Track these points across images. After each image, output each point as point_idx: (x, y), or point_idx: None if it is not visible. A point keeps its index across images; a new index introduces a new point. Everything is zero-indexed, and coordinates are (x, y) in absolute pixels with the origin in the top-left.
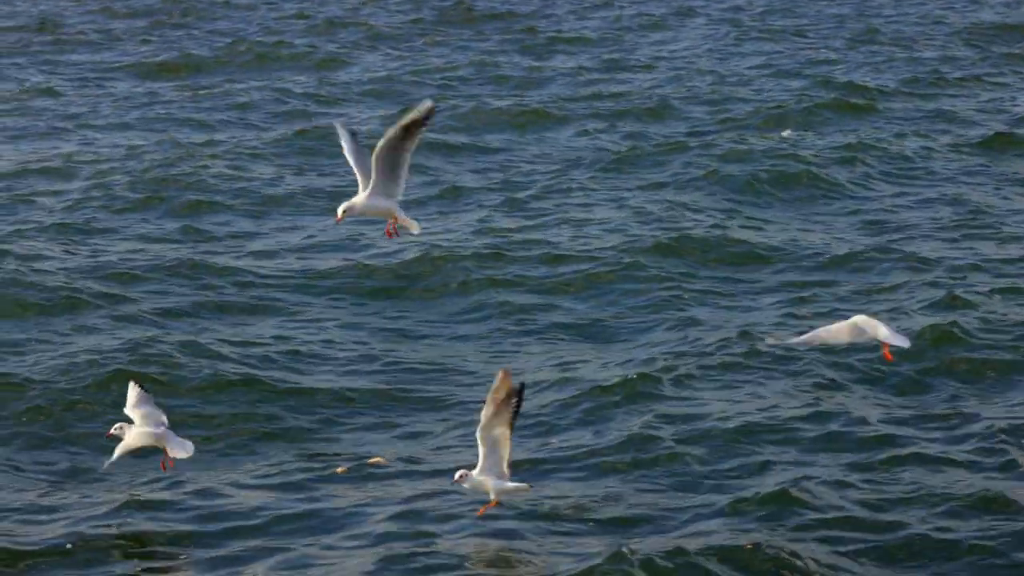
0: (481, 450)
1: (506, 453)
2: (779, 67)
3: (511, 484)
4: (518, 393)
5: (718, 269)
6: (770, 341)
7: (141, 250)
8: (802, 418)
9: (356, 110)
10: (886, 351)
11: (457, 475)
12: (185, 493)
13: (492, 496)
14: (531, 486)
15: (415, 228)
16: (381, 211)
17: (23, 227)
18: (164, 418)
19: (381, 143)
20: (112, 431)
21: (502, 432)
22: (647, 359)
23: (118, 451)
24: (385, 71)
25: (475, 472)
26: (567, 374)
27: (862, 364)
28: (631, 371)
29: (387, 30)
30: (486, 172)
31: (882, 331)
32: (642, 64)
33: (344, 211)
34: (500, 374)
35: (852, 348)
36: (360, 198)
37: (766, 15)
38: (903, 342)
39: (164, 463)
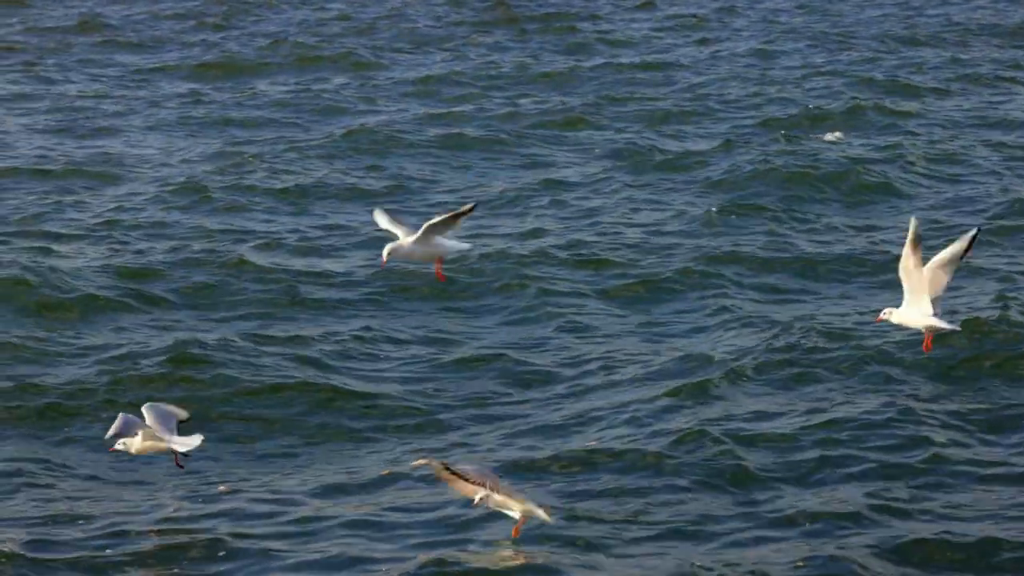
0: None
1: (515, 501)
2: (823, 68)
3: (532, 505)
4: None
5: (767, 271)
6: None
7: (185, 249)
8: (858, 420)
9: (398, 108)
10: (928, 341)
11: (477, 498)
12: (225, 496)
13: (518, 515)
14: (553, 515)
15: (465, 246)
16: (426, 255)
17: (68, 226)
18: (171, 425)
19: (430, 224)
20: (116, 447)
21: (502, 501)
22: (696, 361)
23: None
24: (428, 72)
25: (496, 494)
26: (614, 375)
27: (919, 360)
28: (680, 373)
29: (429, 31)
30: (529, 173)
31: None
32: (683, 64)
33: (389, 253)
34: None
35: (906, 343)
36: (406, 240)
37: (807, 16)
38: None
39: (177, 461)
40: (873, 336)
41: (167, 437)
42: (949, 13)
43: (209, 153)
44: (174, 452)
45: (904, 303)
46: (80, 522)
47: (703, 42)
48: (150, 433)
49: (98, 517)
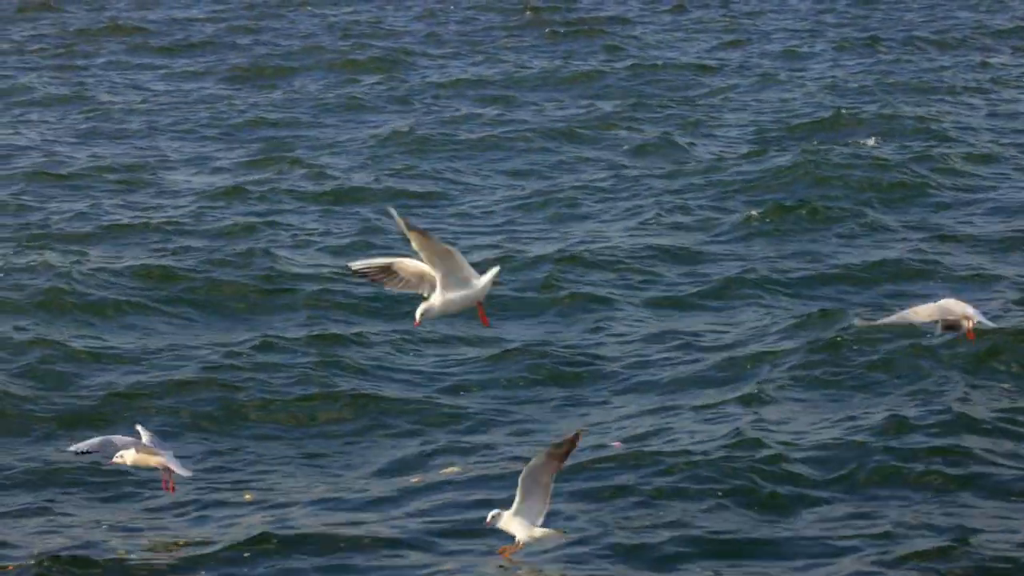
0: (520, 494)
1: (544, 502)
2: (855, 71)
3: (540, 531)
4: (572, 442)
5: (803, 275)
6: (860, 323)
7: (219, 252)
8: (896, 428)
9: (430, 111)
10: (970, 331)
11: (489, 516)
12: (245, 503)
13: (518, 539)
14: (564, 532)
15: (489, 275)
16: (461, 305)
17: (101, 230)
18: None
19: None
20: (115, 459)
21: (546, 482)
22: (732, 367)
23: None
24: (459, 75)
25: (507, 513)
26: (648, 379)
27: (957, 364)
28: (715, 378)
29: (461, 35)
30: (561, 176)
31: (969, 310)
32: (715, 68)
33: (422, 314)
34: (574, 435)
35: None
36: (436, 298)
37: (837, 19)
38: (988, 323)
39: (166, 483)
40: (911, 341)
41: (162, 453)
42: (977, 16)
43: (243, 157)
44: (167, 470)
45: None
46: (106, 527)
47: (734, 44)
48: (145, 447)
49: (125, 522)
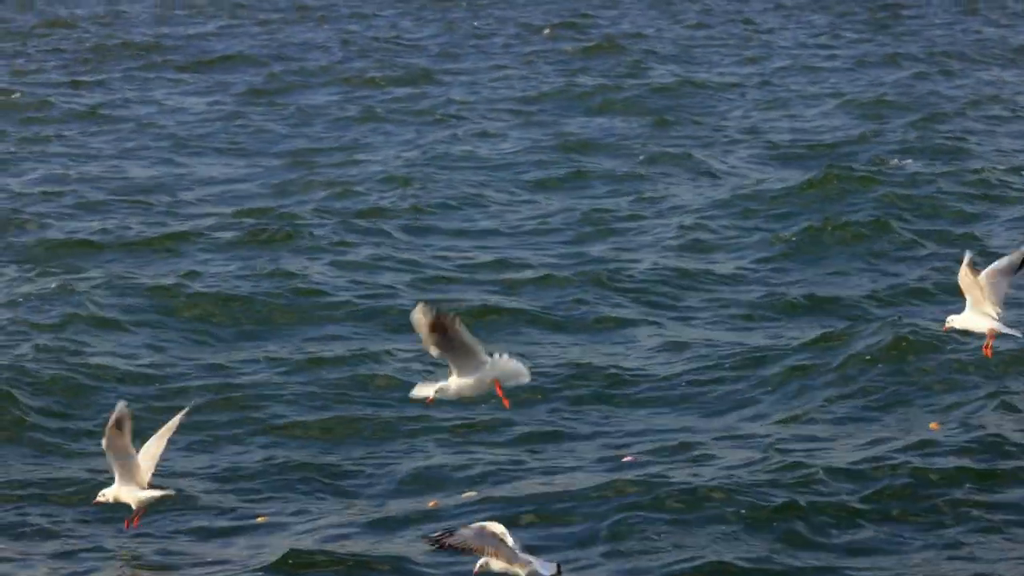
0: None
1: (517, 565)
2: (875, 86)
3: (537, 565)
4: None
5: (827, 294)
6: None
7: (234, 271)
8: (930, 450)
9: (447, 129)
10: (988, 346)
11: (477, 566)
12: (257, 526)
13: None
14: (560, 568)
15: (525, 376)
16: (477, 388)
17: (120, 246)
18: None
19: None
20: (98, 499)
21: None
22: (757, 387)
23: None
24: (479, 91)
25: (496, 560)
26: (667, 400)
27: (989, 378)
28: (739, 400)
29: (478, 51)
30: (581, 196)
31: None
32: (736, 84)
33: (437, 392)
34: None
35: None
36: (453, 380)
37: (857, 36)
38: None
39: (129, 522)
40: (939, 359)
41: (141, 491)
42: (1000, 32)
43: (262, 173)
44: (136, 511)
45: (966, 309)
46: (121, 549)
47: (755, 60)
48: (127, 478)
49: (139, 544)
